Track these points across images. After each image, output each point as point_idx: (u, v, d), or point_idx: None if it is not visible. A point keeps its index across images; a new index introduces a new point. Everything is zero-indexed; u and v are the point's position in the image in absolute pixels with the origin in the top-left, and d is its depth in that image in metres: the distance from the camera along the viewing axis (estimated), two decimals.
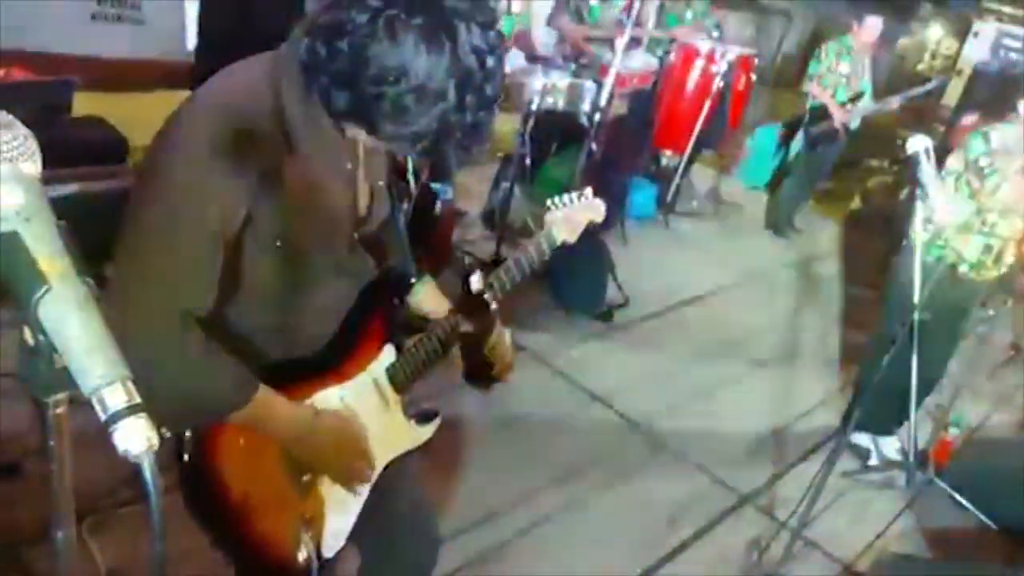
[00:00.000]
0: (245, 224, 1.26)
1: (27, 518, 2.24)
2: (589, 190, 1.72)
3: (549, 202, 1.68)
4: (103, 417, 0.60)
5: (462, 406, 3.15)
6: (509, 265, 1.64)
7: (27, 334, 0.63)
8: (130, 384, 0.62)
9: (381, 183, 1.52)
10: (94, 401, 0.61)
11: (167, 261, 1.23)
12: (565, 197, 1.69)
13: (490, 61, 1.20)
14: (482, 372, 1.70)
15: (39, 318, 0.61)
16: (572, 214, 1.69)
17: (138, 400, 0.62)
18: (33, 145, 0.65)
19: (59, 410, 0.66)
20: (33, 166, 0.65)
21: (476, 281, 1.55)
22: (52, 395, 0.65)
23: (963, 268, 3.24)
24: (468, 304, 1.59)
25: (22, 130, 0.65)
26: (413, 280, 1.66)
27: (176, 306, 1.24)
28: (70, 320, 0.61)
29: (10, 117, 0.65)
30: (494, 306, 1.60)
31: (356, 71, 1.16)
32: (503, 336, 1.69)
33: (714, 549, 2.95)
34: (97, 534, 2.23)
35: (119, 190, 3.33)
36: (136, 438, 0.60)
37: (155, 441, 0.61)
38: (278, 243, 1.31)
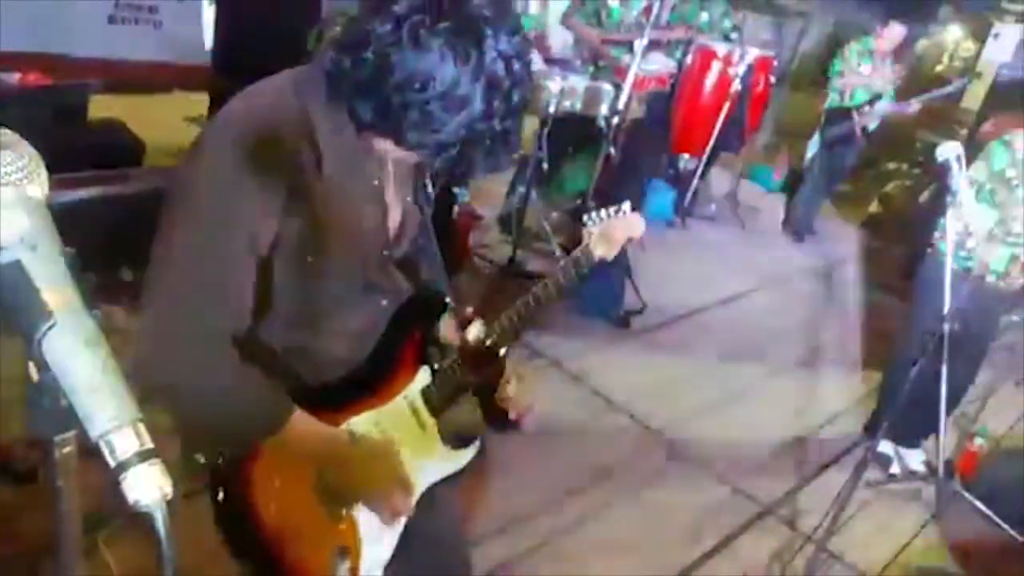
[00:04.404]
0: (275, 243, 1.24)
1: (42, 527, 2.22)
2: (627, 204, 1.65)
3: (585, 217, 1.62)
4: (111, 464, 0.56)
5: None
6: (545, 286, 1.57)
7: (31, 370, 0.59)
8: (141, 427, 0.58)
9: (410, 199, 1.49)
10: (101, 446, 0.57)
11: (201, 284, 1.20)
12: (602, 212, 1.63)
13: (516, 66, 1.18)
14: (495, 418, 1.62)
15: (44, 354, 0.57)
16: (609, 229, 1.62)
17: (150, 445, 0.57)
18: (39, 166, 0.61)
19: (66, 450, 0.61)
20: (39, 189, 0.61)
21: (474, 332, 1.48)
22: (58, 434, 0.61)
23: (990, 278, 3.18)
24: (470, 354, 1.51)
25: (28, 149, 0.60)
26: (448, 300, 1.60)
27: (211, 328, 1.21)
28: (76, 357, 0.57)
29: (16, 136, 0.61)
30: (502, 352, 1.53)
31: (381, 80, 1.15)
32: (513, 382, 1.60)
33: (735, 561, 2.90)
34: (114, 545, 2.20)
35: (135, 193, 3.33)
36: (148, 488, 0.56)
37: (168, 491, 0.56)
38: (309, 258, 1.28)
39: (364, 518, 1.48)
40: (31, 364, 0.59)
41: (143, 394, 1.12)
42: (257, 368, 1.28)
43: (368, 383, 1.48)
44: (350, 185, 1.32)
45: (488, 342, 1.52)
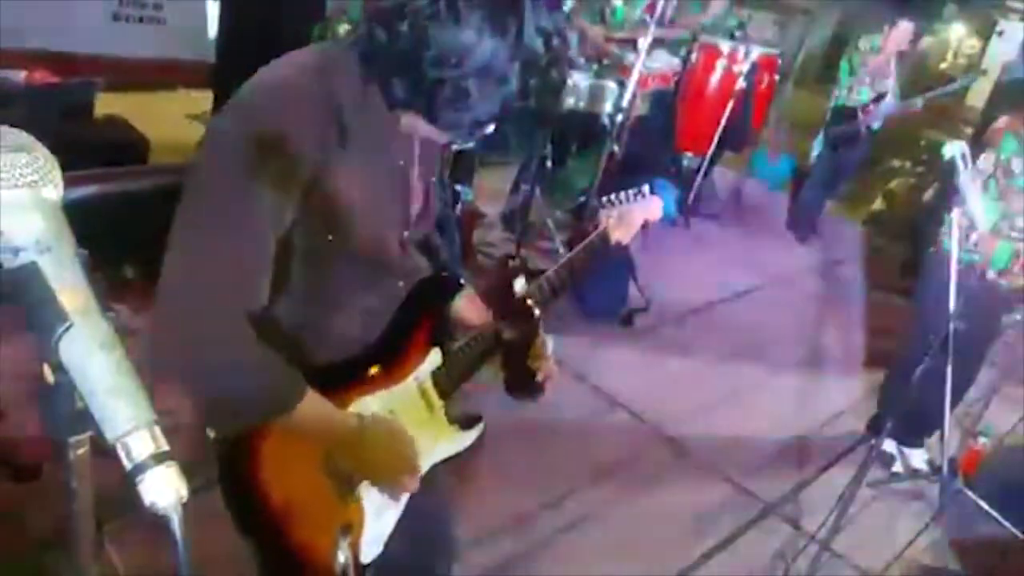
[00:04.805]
0: (296, 221, 1.23)
1: (47, 522, 2.22)
2: (646, 187, 1.64)
3: (604, 199, 1.62)
4: (128, 467, 0.56)
5: (482, 411, 3.12)
6: (557, 271, 1.59)
7: (47, 372, 0.59)
8: (157, 430, 0.58)
9: (434, 180, 1.48)
10: (118, 448, 0.57)
11: (220, 257, 1.19)
12: (621, 194, 1.63)
13: (555, 43, 1.16)
14: (524, 382, 1.63)
15: (59, 356, 0.58)
16: (627, 213, 1.62)
17: (166, 448, 0.57)
18: (54, 168, 0.61)
19: (80, 451, 0.62)
20: (54, 190, 0.61)
21: (520, 285, 1.49)
22: (73, 436, 0.61)
23: (991, 273, 3.18)
24: (511, 309, 1.53)
25: (42, 151, 0.60)
26: (462, 282, 1.59)
27: (229, 304, 1.20)
28: (93, 359, 0.57)
29: (30, 138, 0.61)
30: (537, 312, 1.54)
31: (417, 54, 1.13)
32: (546, 344, 1.61)
33: (738, 559, 2.90)
34: (117, 541, 2.21)
35: (140, 190, 3.33)
36: (164, 490, 0.56)
37: (184, 493, 0.56)
38: (330, 237, 1.27)
39: (369, 495, 1.48)
40: (46, 366, 0.59)
41: (158, 371, 1.12)
42: (272, 346, 1.27)
43: (379, 363, 1.47)
44: (374, 164, 1.30)
45: (528, 300, 1.52)
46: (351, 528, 1.42)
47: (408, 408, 1.51)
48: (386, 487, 1.46)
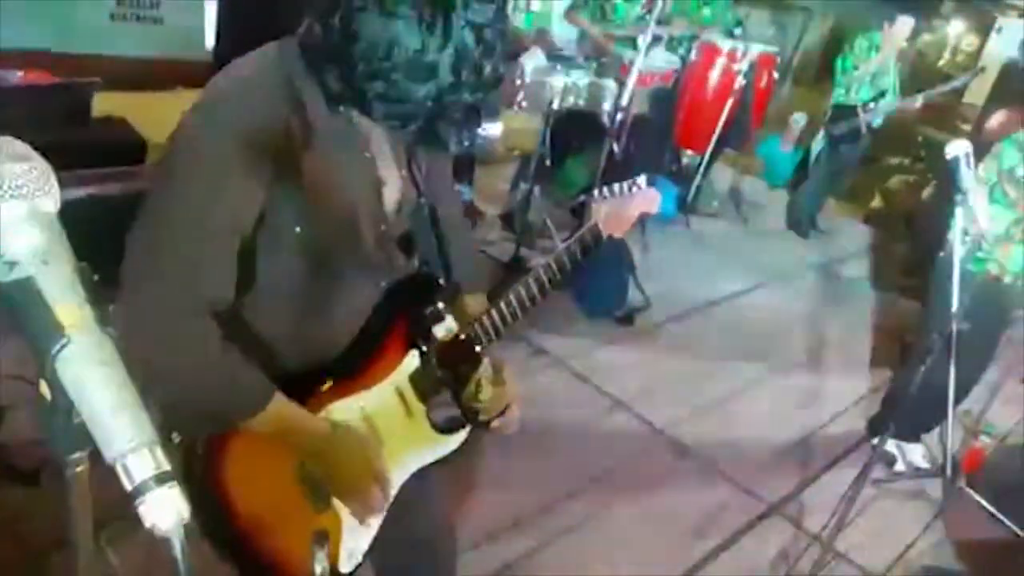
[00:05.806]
0: (263, 217, 1.22)
1: (45, 528, 2.21)
2: (643, 178, 1.56)
3: (596, 192, 1.56)
4: (128, 488, 0.54)
5: None
6: (538, 273, 1.53)
7: (44, 389, 0.57)
8: (158, 449, 0.56)
9: (405, 173, 1.44)
10: (118, 468, 0.55)
11: (184, 254, 1.18)
12: (615, 186, 1.55)
13: (488, 35, 1.15)
14: (469, 417, 1.56)
15: (57, 372, 0.56)
16: (622, 206, 1.55)
17: (167, 468, 0.56)
18: (51, 179, 0.60)
19: (79, 468, 0.60)
20: (51, 202, 0.59)
21: (444, 329, 1.43)
22: (71, 454, 0.59)
23: (1007, 279, 3.15)
24: (443, 348, 1.46)
25: (39, 162, 0.59)
26: (440, 280, 1.54)
27: (193, 299, 1.19)
28: (91, 377, 0.55)
29: (27, 148, 0.59)
30: (478, 348, 1.48)
31: (347, 47, 1.13)
32: (484, 384, 1.53)
33: (740, 560, 2.89)
34: (115, 543, 2.20)
35: (138, 191, 3.31)
36: (165, 512, 0.54)
37: (186, 514, 0.55)
38: (297, 228, 1.25)
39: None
40: (43, 383, 0.57)
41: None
42: (238, 348, 1.25)
43: (354, 366, 1.44)
44: (341, 158, 1.29)
45: (462, 336, 1.46)
46: (327, 537, 1.38)
47: (385, 412, 1.46)
48: (354, 499, 1.41)
